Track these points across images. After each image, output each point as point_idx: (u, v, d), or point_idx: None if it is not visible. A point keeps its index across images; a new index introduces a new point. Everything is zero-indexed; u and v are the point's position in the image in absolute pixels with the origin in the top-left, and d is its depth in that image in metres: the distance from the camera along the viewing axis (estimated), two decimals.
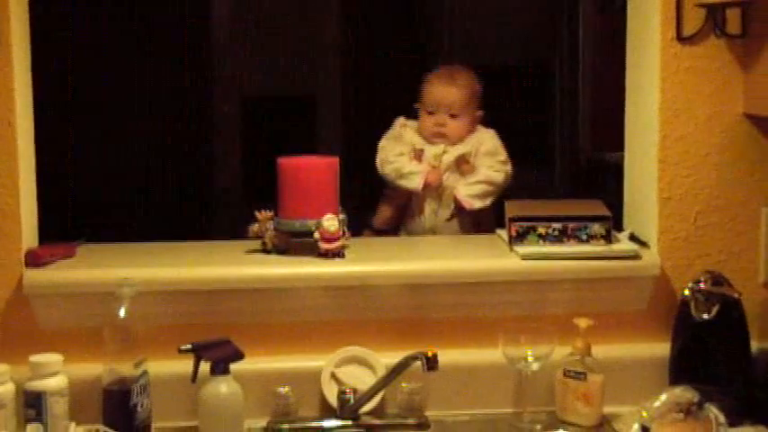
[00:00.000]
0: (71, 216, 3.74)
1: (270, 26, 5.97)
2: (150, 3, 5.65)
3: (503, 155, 3.22)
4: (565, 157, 6.13)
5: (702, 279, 2.32)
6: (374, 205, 3.25)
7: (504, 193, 3.30)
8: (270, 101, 5.90)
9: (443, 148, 3.15)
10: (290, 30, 6.02)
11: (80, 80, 5.44)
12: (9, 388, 2.12)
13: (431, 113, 3.18)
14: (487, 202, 3.12)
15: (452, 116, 3.17)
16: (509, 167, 3.21)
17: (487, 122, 3.31)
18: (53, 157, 2.58)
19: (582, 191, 5.63)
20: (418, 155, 3.12)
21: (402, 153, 3.11)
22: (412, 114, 3.25)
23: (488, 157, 3.18)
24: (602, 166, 5.52)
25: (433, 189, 3.11)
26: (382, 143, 3.17)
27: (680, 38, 2.38)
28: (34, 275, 2.28)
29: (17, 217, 2.28)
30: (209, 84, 5.89)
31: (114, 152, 5.51)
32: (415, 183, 3.02)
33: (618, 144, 2.71)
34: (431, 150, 3.12)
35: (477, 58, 6.20)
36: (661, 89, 2.40)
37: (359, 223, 2.57)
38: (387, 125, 3.24)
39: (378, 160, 3.15)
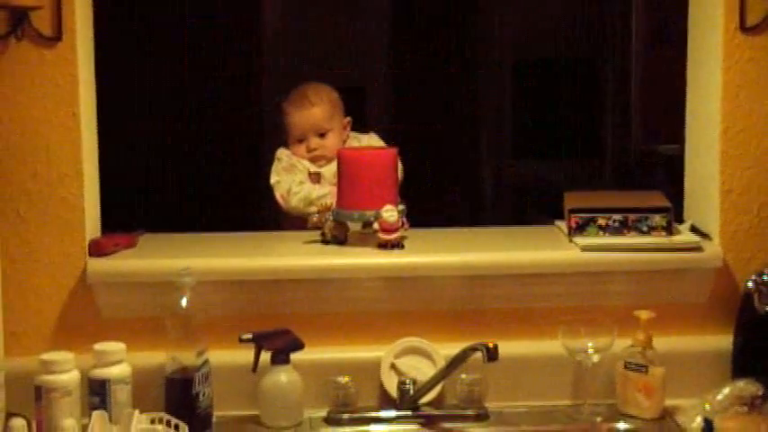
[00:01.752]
0: (132, 207, 3.76)
1: (320, 19, 5.99)
2: None
3: None
4: (616, 150, 6.10)
5: (765, 271, 2.30)
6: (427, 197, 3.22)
7: (560, 186, 3.29)
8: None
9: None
10: (340, 22, 6.04)
11: (141, 72, 5.49)
12: (74, 376, 2.13)
13: (301, 141, 3.07)
14: None
15: (322, 135, 3.07)
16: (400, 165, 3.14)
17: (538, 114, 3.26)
18: (115, 148, 2.59)
19: (633, 184, 5.61)
20: (315, 178, 3.02)
21: (302, 181, 2.97)
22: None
23: None
24: (653, 158, 5.50)
25: None
26: (275, 179, 2.99)
27: (743, 27, 2.36)
28: (97, 265, 2.30)
29: (81, 207, 2.30)
30: (261, 75, 5.92)
31: (175, 144, 5.56)
32: (330, 203, 2.69)
33: (669, 137, 2.69)
34: (329, 170, 2.99)
35: (528, 52, 6.22)
36: (723, 80, 2.38)
37: (416, 214, 2.56)
38: (436, 119, 3.18)
39: (278, 196, 2.96)
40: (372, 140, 3.14)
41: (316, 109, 3.09)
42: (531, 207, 5.70)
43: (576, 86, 6.17)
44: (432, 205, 3.78)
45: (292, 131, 3.09)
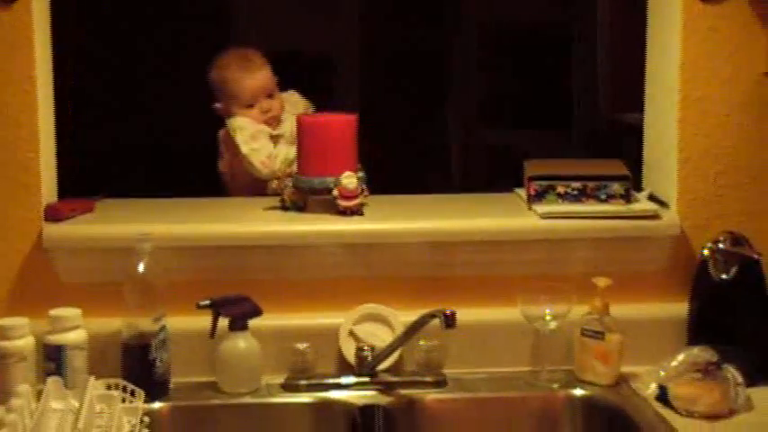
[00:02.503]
0: (90, 172, 3.73)
1: None
2: None
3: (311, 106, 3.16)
4: (583, 118, 6.11)
5: (722, 239, 2.32)
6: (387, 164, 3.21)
7: (523, 154, 3.28)
8: (287, 59, 5.89)
9: (290, 121, 2.99)
10: None
11: (98, 35, 5.43)
12: (29, 341, 2.13)
13: (251, 106, 3.03)
14: None
15: (270, 96, 3.05)
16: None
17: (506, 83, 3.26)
18: (71, 113, 2.57)
19: (600, 152, 5.62)
20: (276, 140, 2.99)
21: (275, 144, 2.96)
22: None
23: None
24: (620, 126, 5.50)
25: None
26: (249, 147, 2.92)
27: None
28: (54, 230, 2.29)
29: (37, 171, 2.29)
30: (228, 41, 5.88)
31: (133, 108, 5.52)
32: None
33: (637, 105, 2.69)
34: (287, 128, 2.99)
35: (495, 17, 6.21)
36: (683, 49, 2.39)
37: (376, 182, 2.56)
38: (404, 87, 3.15)
39: (258, 165, 2.90)
40: (293, 97, 3.13)
41: (264, 70, 3.07)
42: (498, 175, 5.71)
43: (543, 54, 6.17)
44: (399, 173, 3.78)
45: (242, 96, 3.04)
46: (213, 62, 3.14)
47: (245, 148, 2.91)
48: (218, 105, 3.07)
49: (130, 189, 2.63)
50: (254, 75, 3.05)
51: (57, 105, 2.40)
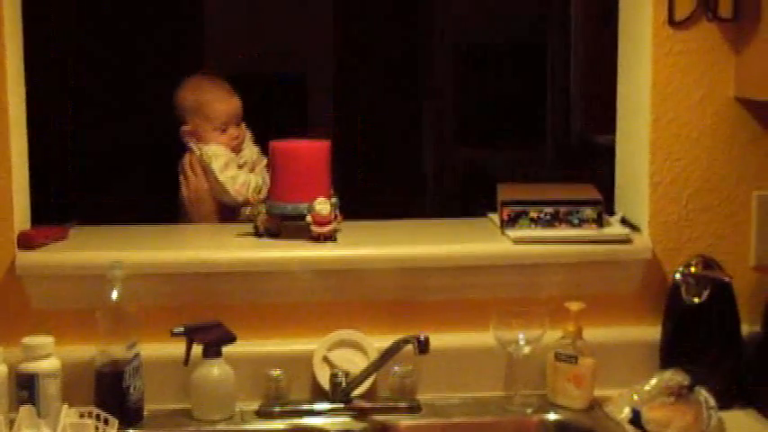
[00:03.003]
0: (61, 198, 3.72)
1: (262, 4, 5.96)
2: None
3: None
4: (556, 138, 6.14)
5: (693, 263, 2.33)
6: (365, 189, 3.22)
7: (497, 175, 3.31)
8: (261, 78, 5.90)
9: (249, 149, 3.10)
10: (282, 7, 6.01)
11: (70, 58, 5.42)
12: (1, 369, 2.12)
13: (223, 131, 3.06)
14: None
15: (237, 124, 3.09)
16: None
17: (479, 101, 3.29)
18: (43, 139, 2.56)
19: (573, 172, 5.64)
20: (240, 167, 3.04)
21: (251, 170, 3.03)
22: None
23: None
24: (593, 148, 5.53)
25: None
26: (225, 176, 2.96)
27: (672, 21, 2.38)
28: (27, 257, 2.28)
29: (9, 199, 2.28)
30: (200, 61, 5.88)
31: (103, 133, 5.50)
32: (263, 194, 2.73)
33: (609, 126, 2.71)
34: (248, 156, 3.06)
35: (469, 37, 6.23)
36: (653, 72, 2.40)
37: (349, 207, 2.56)
38: (377, 108, 3.17)
39: (233, 192, 2.94)
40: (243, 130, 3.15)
41: (236, 98, 3.10)
42: (471, 195, 5.73)
43: (516, 74, 6.20)
44: (373, 194, 3.78)
45: (216, 119, 3.06)
46: (182, 84, 3.14)
47: (222, 176, 2.92)
48: (185, 128, 3.06)
49: (103, 215, 2.62)
50: (229, 99, 3.08)
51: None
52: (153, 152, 5.58)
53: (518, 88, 6.25)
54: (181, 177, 3.07)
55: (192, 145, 3.03)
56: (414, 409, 2.30)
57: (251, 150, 3.03)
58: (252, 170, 3.03)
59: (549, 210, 2.43)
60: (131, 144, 5.51)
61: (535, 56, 6.26)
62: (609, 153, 2.70)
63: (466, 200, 5.90)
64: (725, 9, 2.36)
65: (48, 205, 2.54)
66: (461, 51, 6.30)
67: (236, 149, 3.03)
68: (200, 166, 2.98)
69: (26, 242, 2.31)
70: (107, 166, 5.42)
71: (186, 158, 3.06)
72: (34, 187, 2.42)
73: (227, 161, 2.96)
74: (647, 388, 2.18)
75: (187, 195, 3.03)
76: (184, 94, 3.11)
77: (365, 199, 3.15)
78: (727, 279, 2.30)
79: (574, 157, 5.94)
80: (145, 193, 5.26)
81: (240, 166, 2.98)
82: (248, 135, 3.11)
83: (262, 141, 2.99)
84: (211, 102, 3.07)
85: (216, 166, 2.94)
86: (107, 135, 5.45)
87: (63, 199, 2.80)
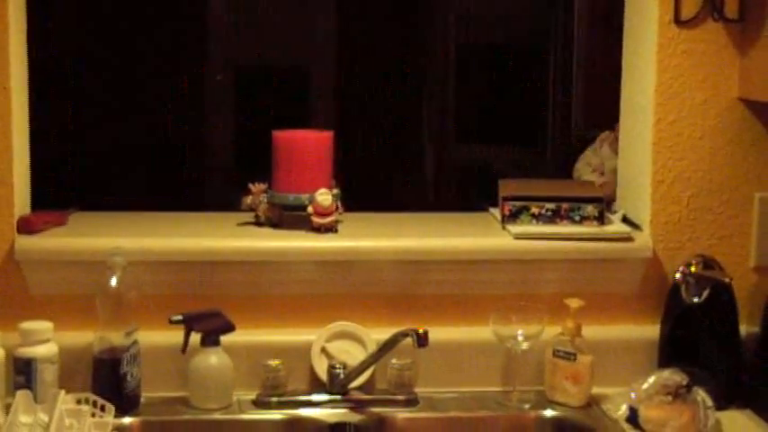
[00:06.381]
0: (63, 184, 3.72)
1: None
2: None
3: None
4: (558, 136, 6.13)
5: (694, 262, 2.33)
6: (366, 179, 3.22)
7: (498, 172, 3.30)
8: (263, 71, 5.89)
9: None
10: (285, 4, 6.00)
11: (72, 47, 5.41)
12: None
13: None
14: None
15: None
16: None
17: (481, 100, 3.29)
18: (45, 125, 2.56)
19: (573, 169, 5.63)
20: None
21: None
22: None
23: None
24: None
25: None
26: None
27: (678, 21, 2.37)
28: (26, 242, 2.28)
29: (9, 183, 2.28)
30: (203, 53, 5.87)
31: (107, 121, 5.50)
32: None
33: (610, 123, 2.71)
34: None
35: (472, 35, 6.22)
36: (657, 72, 2.40)
37: (351, 198, 2.56)
38: (381, 98, 3.13)
39: None
40: None
41: None
42: (473, 192, 5.73)
43: (519, 72, 6.19)
44: (374, 189, 3.78)
45: None
46: None
47: None
48: None
49: (104, 202, 2.62)
50: None
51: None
52: (153, 152, 5.62)
53: (519, 87, 6.24)
54: None
55: None
56: (411, 402, 2.30)
57: None
58: None
59: (550, 206, 2.43)
60: (131, 144, 5.52)
61: (536, 52, 6.25)
62: None
63: (465, 196, 5.91)
64: (731, 9, 2.36)
65: (47, 205, 2.54)
66: (463, 49, 6.29)
67: None
68: None
69: (26, 227, 2.30)
70: (106, 166, 5.43)
71: None
72: (34, 173, 2.42)
73: None
74: (644, 387, 2.17)
75: None
76: None
77: (365, 191, 3.14)
78: (727, 279, 2.29)
79: (574, 155, 5.92)
80: (145, 192, 5.29)
81: None
82: None
83: (264, 134, 2.98)
84: None
85: None
86: (107, 135, 5.46)
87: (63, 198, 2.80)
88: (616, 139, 3.07)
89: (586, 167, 3.12)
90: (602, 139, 3.23)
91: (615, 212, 2.54)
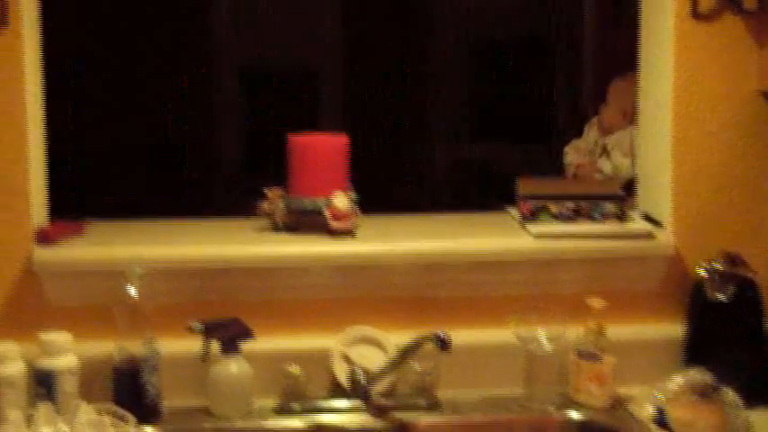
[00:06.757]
0: (75, 193, 3.72)
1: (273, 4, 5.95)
2: None
3: None
4: (569, 134, 6.11)
5: (717, 259, 2.30)
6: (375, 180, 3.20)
7: (512, 170, 3.29)
8: (272, 74, 5.88)
9: None
10: (293, 7, 5.99)
11: (83, 56, 5.41)
12: (19, 367, 2.11)
13: None
14: None
15: None
16: None
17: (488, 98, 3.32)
18: (56, 134, 2.54)
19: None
20: None
21: None
22: None
23: None
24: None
25: None
26: None
27: (695, 14, 2.35)
28: (44, 253, 2.26)
29: (26, 194, 2.26)
30: (210, 58, 5.87)
31: (116, 128, 5.49)
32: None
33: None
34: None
35: (478, 32, 6.21)
36: (675, 66, 2.38)
37: (370, 200, 2.54)
38: (387, 102, 3.12)
39: None
40: None
41: None
42: (485, 191, 5.71)
43: (530, 70, 6.17)
44: (386, 190, 3.76)
45: None
46: None
47: None
48: None
49: (117, 210, 2.60)
50: None
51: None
52: (153, 152, 5.62)
53: (528, 85, 6.23)
54: None
55: None
56: (433, 406, 2.28)
57: None
58: None
59: (570, 204, 2.41)
60: (132, 144, 5.52)
61: (545, 50, 6.24)
62: None
63: (476, 194, 5.89)
64: (749, 1, 2.33)
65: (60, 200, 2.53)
66: (470, 47, 6.28)
67: None
68: None
69: (43, 238, 2.29)
70: (107, 165, 5.44)
71: None
72: (52, 182, 2.41)
73: None
74: (671, 387, 2.15)
75: None
76: None
77: (376, 194, 3.12)
78: (751, 275, 2.27)
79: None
80: (145, 192, 5.28)
81: None
82: None
83: (272, 137, 2.97)
84: None
85: None
86: (108, 134, 5.47)
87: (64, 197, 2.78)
88: (599, 123, 3.30)
89: (574, 151, 3.27)
90: (590, 123, 3.36)
91: (636, 210, 2.51)
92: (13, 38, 2.22)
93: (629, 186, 2.55)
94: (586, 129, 3.83)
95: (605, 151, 3.66)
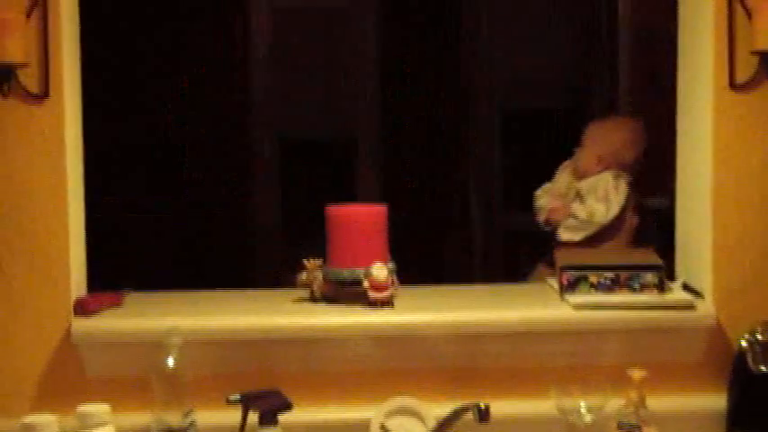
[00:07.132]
0: (113, 264, 3.74)
1: (310, 73, 5.99)
2: (190, 44, 5.69)
3: None
4: None
5: (759, 329, 2.28)
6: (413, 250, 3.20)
7: (549, 241, 3.30)
8: (310, 144, 5.91)
9: None
10: (330, 77, 6.04)
11: (122, 125, 5.46)
12: None
13: None
14: None
15: None
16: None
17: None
18: (103, 205, 2.57)
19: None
20: None
21: None
22: None
23: None
24: (641, 211, 5.48)
25: None
26: None
27: (732, 85, 2.35)
28: (83, 324, 2.27)
29: (66, 265, 2.28)
30: (249, 127, 5.91)
31: (155, 199, 5.52)
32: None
33: (656, 190, 2.68)
34: None
35: (515, 104, 6.23)
36: (714, 136, 2.38)
37: (403, 271, 2.54)
38: (426, 170, 3.14)
39: None
40: None
41: None
42: (522, 260, 5.70)
43: (569, 141, 6.18)
44: (423, 259, 3.76)
45: None
46: None
47: None
48: None
49: (155, 280, 2.61)
50: None
51: (87, 196, 2.40)
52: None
53: (563, 153, 6.23)
54: None
55: None
56: None
57: None
58: None
59: (609, 274, 2.40)
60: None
61: (580, 119, 6.24)
62: (657, 216, 2.68)
63: (513, 265, 5.86)
64: None
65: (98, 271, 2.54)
66: (506, 116, 6.30)
67: None
68: None
69: (82, 309, 2.30)
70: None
71: None
72: (90, 253, 2.42)
73: None
74: None
75: None
76: None
77: (414, 263, 3.12)
78: None
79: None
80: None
81: None
82: None
83: (311, 206, 2.98)
84: None
85: None
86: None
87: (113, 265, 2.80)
88: (573, 167, 3.29)
89: (546, 194, 3.25)
90: (562, 167, 3.32)
91: (674, 280, 2.49)
92: (55, 108, 2.25)
93: None
94: (558, 172, 3.78)
95: (579, 195, 3.62)
